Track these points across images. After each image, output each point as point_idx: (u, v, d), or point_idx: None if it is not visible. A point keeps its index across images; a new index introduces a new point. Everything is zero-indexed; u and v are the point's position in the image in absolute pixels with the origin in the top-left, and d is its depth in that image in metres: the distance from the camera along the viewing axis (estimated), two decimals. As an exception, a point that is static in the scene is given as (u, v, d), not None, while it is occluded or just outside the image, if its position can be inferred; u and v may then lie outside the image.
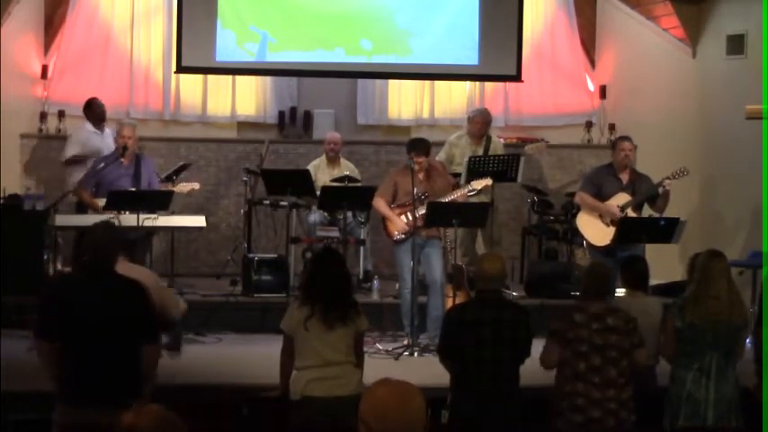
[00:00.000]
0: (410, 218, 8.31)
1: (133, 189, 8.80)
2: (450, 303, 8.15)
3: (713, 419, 5.71)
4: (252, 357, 7.69)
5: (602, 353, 5.59)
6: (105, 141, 9.87)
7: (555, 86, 11.65)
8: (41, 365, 5.17)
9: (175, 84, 11.26)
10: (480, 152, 9.73)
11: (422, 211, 8.22)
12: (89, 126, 10.03)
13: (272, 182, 9.56)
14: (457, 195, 8.41)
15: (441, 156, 9.80)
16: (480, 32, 10.90)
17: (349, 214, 9.40)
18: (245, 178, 10.01)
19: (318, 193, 9.47)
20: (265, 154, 10.23)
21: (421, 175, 8.33)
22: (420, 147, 8.39)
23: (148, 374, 5.18)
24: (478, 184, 8.61)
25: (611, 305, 5.76)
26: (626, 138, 8.97)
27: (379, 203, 8.52)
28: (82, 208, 9.20)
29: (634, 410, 5.67)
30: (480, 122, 9.86)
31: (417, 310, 8.31)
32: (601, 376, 5.59)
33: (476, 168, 9.25)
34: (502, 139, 10.49)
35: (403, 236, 8.35)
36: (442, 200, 8.30)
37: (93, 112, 10.03)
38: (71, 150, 10.00)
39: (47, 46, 11.03)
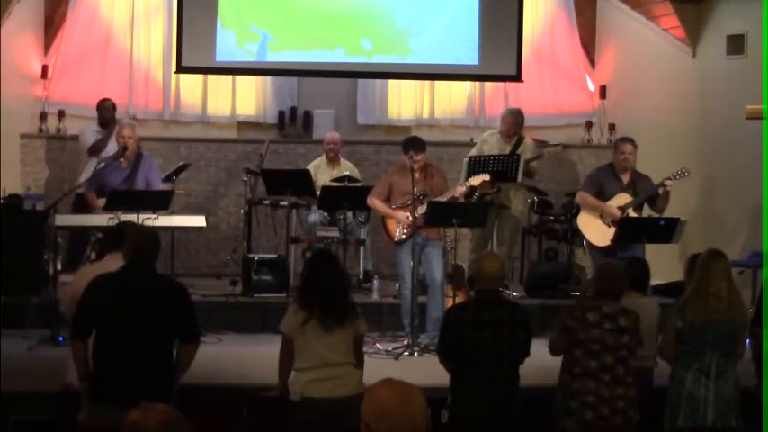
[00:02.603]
0: (410, 217, 8.31)
1: (130, 190, 8.80)
2: (450, 303, 8.14)
3: (713, 419, 5.71)
4: (252, 357, 7.70)
5: (613, 352, 5.62)
6: (111, 141, 9.86)
7: (555, 86, 11.66)
8: (74, 364, 5.18)
9: (175, 84, 11.27)
10: (508, 151, 9.70)
11: (421, 210, 8.22)
12: (94, 125, 10.07)
13: (272, 182, 9.56)
14: (454, 193, 8.39)
15: (473, 152, 9.79)
16: (480, 32, 10.90)
17: (349, 214, 9.40)
18: (245, 178, 10.00)
19: (318, 193, 9.47)
20: (265, 154, 10.23)
21: (418, 174, 8.33)
22: (418, 144, 8.42)
23: (180, 373, 5.20)
24: (475, 180, 8.61)
25: (623, 306, 5.78)
26: (628, 140, 8.91)
27: (375, 202, 8.53)
28: (79, 208, 9.20)
29: (638, 409, 5.69)
30: (510, 123, 9.80)
31: (417, 310, 8.31)
32: (611, 375, 5.62)
33: (475, 167, 9.24)
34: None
35: (404, 236, 8.35)
36: (441, 198, 8.29)
37: (102, 114, 10.10)
38: (89, 139, 10.00)
39: (47, 46, 11.04)
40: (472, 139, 10.84)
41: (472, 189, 8.82)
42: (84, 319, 5.10)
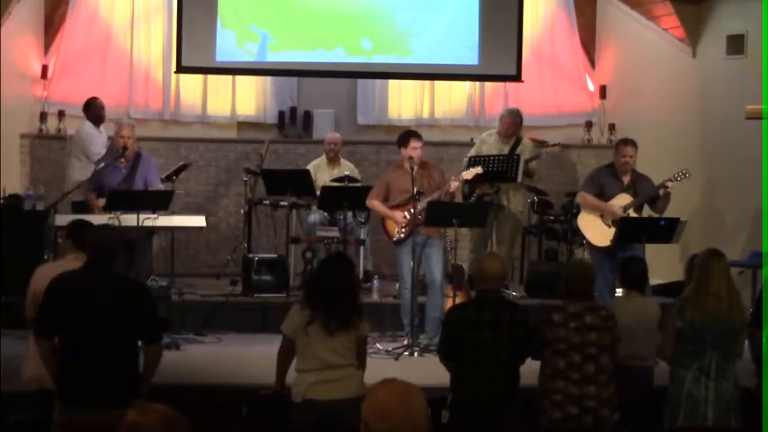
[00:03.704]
0: (408, 216, 8.32)
1: (130, 190, 8.79)
2: (449, 303, 8.15)
3: (713, 419, 5.70)
4: (252, 357, 7.69)
5: (581, 350, 5.61)
6: (104, 141, 9.85)
7: (555, 86, 11.66)
8: (43, 363, 5.17)
9: (175, 84, 11.27)
10: (506, 151, 9.70)
11: (420, 207, 8.22)
12: (88, 127, 9.98)
13: (272, 182, 9.57)
14: (449, 188, 8.39)
15: (471, 152, 9.81)
16: (480, 32, 10.90)
17: (349, 214, 9.40)
18: (245, 178, 10.01)
19: (318, 193, 9.47)
20: (265, 154, 10.23)
21: (415, 172, 8.34)
22: (415, 133, 8.53)
23: (148, 374, 5.18)
24: (468, 174, 8.63)
25: (590, 304, 5.77)
26: (629, 142, 8.86)
27: (373, 203, 8.55)
28: (79, 208, 9.19)
29: (617, 409, 5.67)
30: (508, 123, 9.82)
31: (417, 310, 8.31)
32: (580, 373, 5.60)
33: (475, 167, 9.23)
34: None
35: (402, 236, 8.36)
36: (435, 195, 8.29)
37: (91, 112, 9.97)
38: (95, 150, 9.84)
39: (47, 46, 11.04)
40: (472, 139, 10.84)
41: (470, 189, 8.82)
42: (48, 317, 5.09)
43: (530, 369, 5.89)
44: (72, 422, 4.92)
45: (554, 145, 10.24)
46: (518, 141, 9.81)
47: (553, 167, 11.36)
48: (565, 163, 11.46)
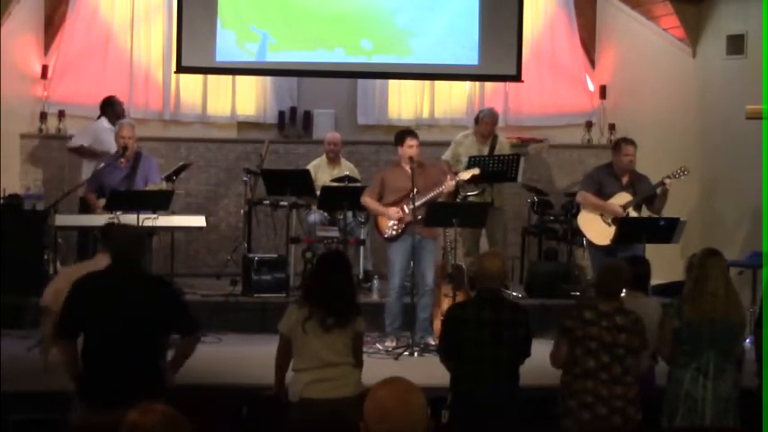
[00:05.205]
0: (401, 213, 8.34)
1: (131, 189, 8.79)
2: (448, 303, 8.15)
3: (711, 418, 5.71)
4: (252, 357, 7.69)
5: (610, 350, 5.61)
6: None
7: (555, 86, 11.65)
8: (62, 364, 5.16)
9: (175, 84, 11.27)
10: (486, 151, 9.73)
11: (411, 206, 8.24)
12: (105, 123, 9.95)
13: (272, 182, 9.57)
14: (446, 186, 8.40)
15: (446, 155, 9.84)
16: (480, 32, 10.90)
17: (349, 214, 9.40)
18: (245, 178, 10.01)
19: (318, 193, 9.48)
20: (265, 154, 10.23)
21: (410, 169, 8.36)
22: (411, 132, 8.58)
23: (177, 365, 5.19)
24: (466, 174, 8.65)
25: (619, 305, 5.77)
26: (630, 141, 8.87)
27: (366, 200, 8.57)
28: (86, 208, 9.21)
29: (640, 409, 5.68)
30: (490, 123, 9.87)
31: (405, 310, 8.32)
32: (609, 374, 5.60)
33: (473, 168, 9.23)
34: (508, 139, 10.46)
35: (393, 233, 8.36)
36: (431, 193, 8.30)
37: (114, 110, 10.00)
38: (80, 140, 9.94)
39: (47, 46, 11.03)
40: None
41: (456, 190, 8.84)
42: (70, 319, 5.09)
43: (530, 369, 5.89)
44: (94, 423, 4.90)
45: (541, 141, 10.27)
46: (495, 140, 9.85)
47: (553, 167, 11.36)
48: (565, 163, 11.45)
